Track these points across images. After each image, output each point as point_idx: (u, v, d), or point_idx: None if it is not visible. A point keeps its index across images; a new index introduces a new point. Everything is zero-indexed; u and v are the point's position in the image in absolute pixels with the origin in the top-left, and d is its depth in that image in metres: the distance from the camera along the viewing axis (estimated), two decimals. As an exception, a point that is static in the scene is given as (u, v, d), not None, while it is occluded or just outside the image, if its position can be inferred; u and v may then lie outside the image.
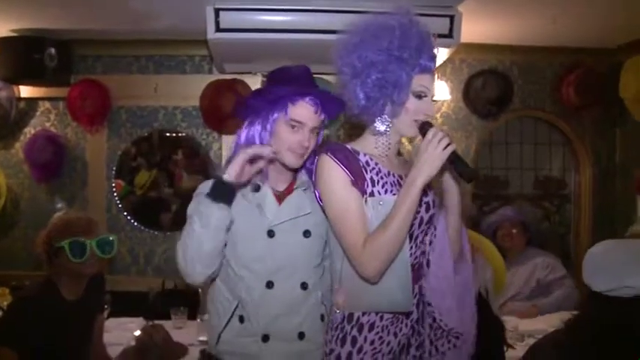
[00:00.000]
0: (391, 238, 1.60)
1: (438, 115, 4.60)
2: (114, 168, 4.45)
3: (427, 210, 1.77)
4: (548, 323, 3.29)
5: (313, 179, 1.81)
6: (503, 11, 3.75)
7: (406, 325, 1.77)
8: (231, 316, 1.93)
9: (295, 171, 2.01)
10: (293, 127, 1.86)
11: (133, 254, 4.45)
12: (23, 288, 2.97)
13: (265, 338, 1.92)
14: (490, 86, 4.56)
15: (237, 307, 1.93)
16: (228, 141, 4.40)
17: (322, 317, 2.01)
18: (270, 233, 1.90)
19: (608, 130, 4.83)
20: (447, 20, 3.37)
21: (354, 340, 1.73)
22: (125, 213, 4.45)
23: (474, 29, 3.88)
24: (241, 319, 1.92)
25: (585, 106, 4.62)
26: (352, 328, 1.75)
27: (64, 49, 4.17)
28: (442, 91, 4.36)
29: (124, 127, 4.47)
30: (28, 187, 4.44)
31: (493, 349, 2.38)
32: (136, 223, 4.44)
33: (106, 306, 2.98)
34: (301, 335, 1.95)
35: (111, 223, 4.42)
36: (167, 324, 2.95)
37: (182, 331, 3.12)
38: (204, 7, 3.33)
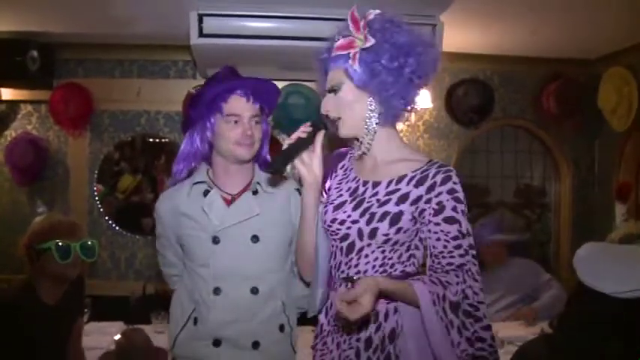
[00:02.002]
0: (298, 242, 1.78)
1: (420, 123, 4.64)
2: (96, 172, 4.43)
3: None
4: (528, 330, 3.33)
5: None
6: (485, 21, 3.80)
7: (348, 342, 1.63)
8: (188, 319, 1.95)
9: (253, 170, 2.04)
10: (232, 122, 1.89)
11: (114, 258, 4.42)
12: (1, 291, 2.95)
13: (217, 343, 1.92)
14: (471, 95, 4.60)
15: (194, 310, 1.94)
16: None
17: (282, 328, 1.98)
18: (215, 239, 1.90)
19: (588, 139, 4.89)
20: (429, 29, 3.42)
21: (314, 339, 1.76)
22: (107, 217, 4.43)
23: (455, 38, 3.93)
24: (195, 321, 1.94)
25: (565, 116, 4.68)
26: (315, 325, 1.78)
27: (46, 52, 4.14)
28: (424, 99, 4.39)
29: (106, 131, 4.45)
30: (8, 191, 4.40)
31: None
32: (117, 228, 4.41)
33: (85, 310, 2.96)
34: (255, 344, 1.93)
35: (92, 227, 4.38)
36: (147, 328, 2.93)
37: (163, 335, 3.10)
38: (188, 13, 3.34)
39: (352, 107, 1.60)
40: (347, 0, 1.59)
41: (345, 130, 1.63)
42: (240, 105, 1.90)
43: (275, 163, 1.60)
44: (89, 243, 2.41)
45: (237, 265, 1.92)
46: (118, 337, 2.75)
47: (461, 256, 1.55)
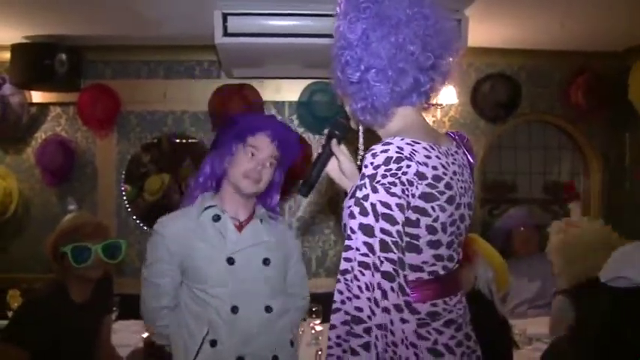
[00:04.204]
0: None
1: (445, 119, 4.59)
2: (123, 172, 4.47)
3: None
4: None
5: None
6: (511, 15, 3.74)
7: None
8: (202, 344, 1.95)
9: (255, 205, 2.16)
10: (250, 154, 2.01)
11: (142, 258, 4.43)
12: (34, 290, 3.00)
13: None
14: (498, 90, 4.54)
15: (207, 332, 1.95)
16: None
17: (292, 343, 2.09)
18: (230, 260, 1.99)
19: (618, 133, 4.80)
20: (455, 24, 3.38)
21: None
22: (134, 217, 4.48)
23: (481, 33, 3.88)
24: (213, 344, 1.95)
25: (594, 109, 4.59)
26: None
27: (74, 55, 4.19)
28: (449, 95, 4.35)
29: (133, 131, 4.49)
30: (38, 192, 4.47)
31: (501, 350, 2.38)
32: (145, 227, 4.45)
33: (114, 308, 3.00)
34: (275, 359, 2.01)
35: (120, 227, 4.44)
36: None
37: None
38: (212, 12, 3.36)
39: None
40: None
41: (352, 125, 1.59)
42: (263, 143, 2.03)
43: (303, 189, 1.59)
44: (114, 243, 2.45)
45: (252, 286, 2.01)
46: (145, 335, 2.78)
47: (347, 260, 1.25)
